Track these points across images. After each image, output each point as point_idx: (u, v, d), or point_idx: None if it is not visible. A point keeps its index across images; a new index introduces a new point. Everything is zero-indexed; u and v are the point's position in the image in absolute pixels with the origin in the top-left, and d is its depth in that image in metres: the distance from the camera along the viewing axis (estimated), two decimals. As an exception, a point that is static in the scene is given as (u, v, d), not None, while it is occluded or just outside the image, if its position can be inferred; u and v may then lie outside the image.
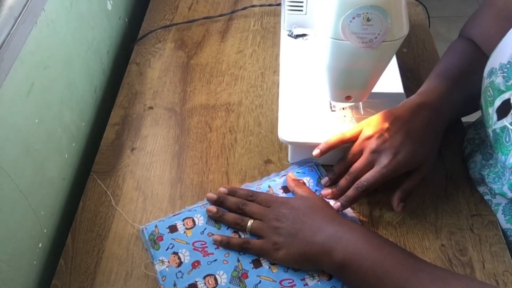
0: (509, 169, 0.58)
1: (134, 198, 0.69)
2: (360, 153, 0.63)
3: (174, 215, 0.66)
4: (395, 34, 0.55)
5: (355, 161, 0.63)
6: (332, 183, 0.67)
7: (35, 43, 0.63)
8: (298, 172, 0.70)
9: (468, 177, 0.69)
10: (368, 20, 0.53)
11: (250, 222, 0.62)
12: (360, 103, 0.71)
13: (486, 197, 0.67)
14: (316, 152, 0.65)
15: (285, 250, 0.58)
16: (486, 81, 0.61)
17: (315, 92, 0.73)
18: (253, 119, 0.79)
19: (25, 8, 0.59)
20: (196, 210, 0.66)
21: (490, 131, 0.61)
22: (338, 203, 0.63)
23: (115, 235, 0.65)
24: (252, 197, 0.64)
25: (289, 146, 0.71)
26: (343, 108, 0.71)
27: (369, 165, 0.62)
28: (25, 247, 0.61)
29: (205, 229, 0.64)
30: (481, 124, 0.69)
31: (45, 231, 0.66)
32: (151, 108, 0.82)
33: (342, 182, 0.64)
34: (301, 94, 0.73)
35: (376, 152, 0.61)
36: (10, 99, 0.57)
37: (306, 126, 0.69)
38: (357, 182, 0.62)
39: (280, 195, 0.67)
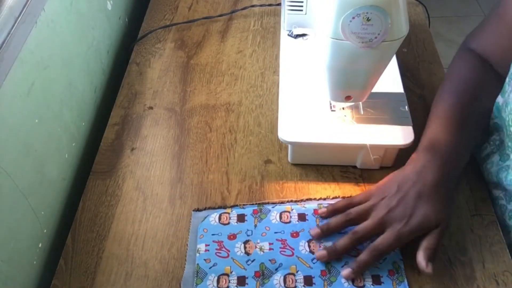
0: None
1: (134, 198, 0.69)
2: (366, 216, 0.60)
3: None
4: (395, 34, 0.55)
5: (359, 219, 0.60)
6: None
7: (35, 43, 0.63)
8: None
9: (468, 177, 0.69)
10: (368, 20, 0.53)
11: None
12: (360, 103, 0.71)
13: (501, 202, 0.66)
14: (322, 211, 0.63)
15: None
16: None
17: (315, 92, 0.73)
18: (253, 119, 0.79)
19: (25, 8, 0.59)
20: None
21: (506, 128, 0.60)
22: (349, 269, 0.58)
23: (115, 235, 0.65)
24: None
25: (289, 146, 0.71)
26: (343, 108, 0.71)
27: (378, 230, 0.58)
28: (25, 247, 0.61)
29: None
30: (500, 124, 0.67)
31: (45, 231, 0.66)
32: (151, 108, 0.82)
33: (335, 223, 0.61)
34: (301, 94, 0.73)
35: (386, 219, 0.58)
36: (10, 99, 0.58)
37: (306, 126, 0.69)
38: (372, 246, 0.57)
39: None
